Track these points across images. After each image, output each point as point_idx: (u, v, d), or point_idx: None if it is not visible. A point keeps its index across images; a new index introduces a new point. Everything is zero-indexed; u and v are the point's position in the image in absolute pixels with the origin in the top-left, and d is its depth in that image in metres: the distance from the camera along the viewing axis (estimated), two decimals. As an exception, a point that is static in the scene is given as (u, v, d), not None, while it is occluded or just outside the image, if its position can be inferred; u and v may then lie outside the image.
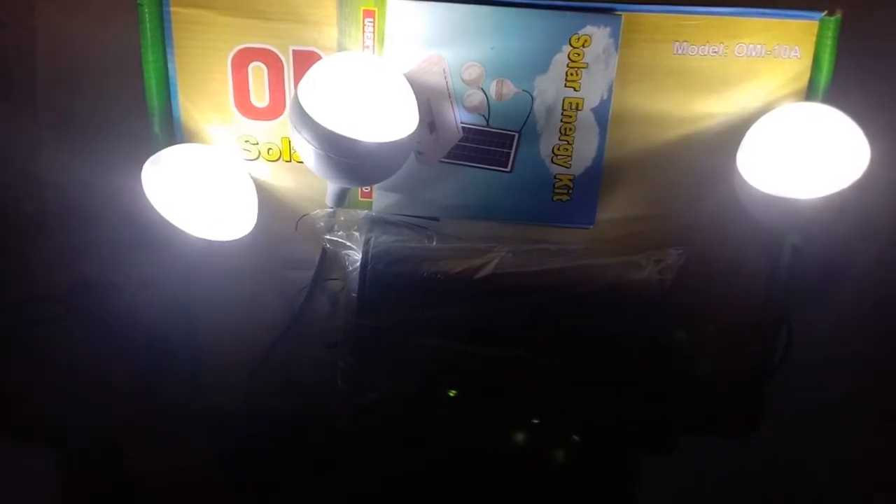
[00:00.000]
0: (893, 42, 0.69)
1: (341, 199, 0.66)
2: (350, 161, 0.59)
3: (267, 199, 0.69)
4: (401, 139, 0.60)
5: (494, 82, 0.66)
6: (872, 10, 0.67)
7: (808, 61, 0.64)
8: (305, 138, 0.59)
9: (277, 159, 0.68)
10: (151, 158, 0.63)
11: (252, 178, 0.68)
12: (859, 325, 0.80)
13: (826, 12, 0.63)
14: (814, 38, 0.64)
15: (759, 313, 0.72)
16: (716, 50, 0.64)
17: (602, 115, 0.66)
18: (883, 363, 0.84)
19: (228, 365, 0.75)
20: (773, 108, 0.63)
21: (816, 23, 0.64)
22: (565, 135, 0.67)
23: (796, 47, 0.64)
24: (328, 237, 0.69)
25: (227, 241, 0.66)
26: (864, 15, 0.66)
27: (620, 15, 0.63)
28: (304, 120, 0.58)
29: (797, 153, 0.60)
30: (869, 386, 0.86)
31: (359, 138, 0.58)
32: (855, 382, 0.86)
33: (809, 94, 0.65)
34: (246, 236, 0.68)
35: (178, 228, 0.64)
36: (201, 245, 0.66)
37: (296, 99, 0.59)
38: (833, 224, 0.61)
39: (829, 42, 0.64)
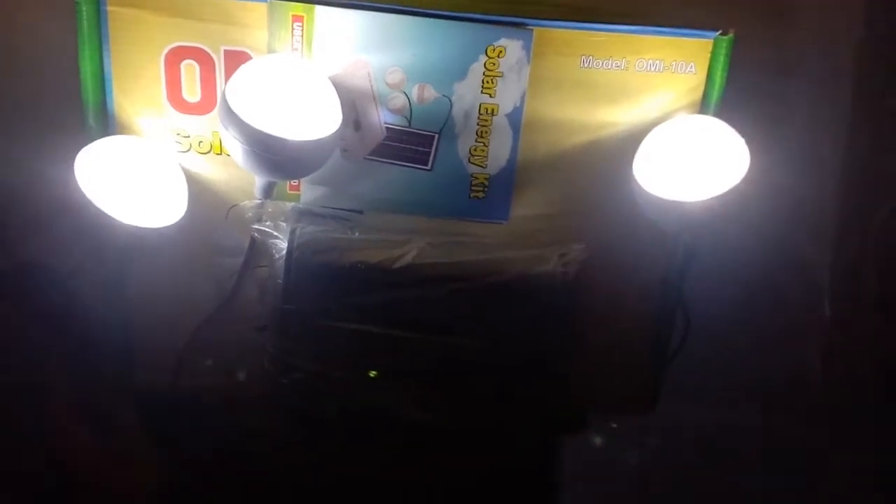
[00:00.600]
0: (781, 61, 0.76)
1: (269, 191, 0.70)
2: (275, 157, 0.63)
3: (198, 189, 0.73)
4: (324, 138, 0.64)
5: (416, 87, 0.70)
6: (763, 31, 0.74)
7: (702, 77, 0.70)
8: (233, 136, 0.63)
9: (208, 152, 0.72)
10: (84, 149, 0.66)
11: (184, 169, 0.72)
12: (747, 315, 0.88)
13: (720, 32, 0.69)
14: (708, 56, 0.70)
15: (656, 303, 0.79)
16: (618, 64, 0.70)
17: (515, 120, 0.72)
18: (766, 346, 0.92)
19: (161, 347, 0.79)
20: (669, 119, 0.70)
21: (711, 41, 0.69)
22: (481, 137, 0.72)
23: (692, 63, 0.70)
24: (256, 227, 0.72)
25: (157, 228, 0.69)
26: (755, 35, 0.73)
27: (532, 29, 0.68)
28: (232, 118, 0.62)
29: (685, 160, 0.66)
30: (762, 372, 0.94)
31: (283, 136, 0.62)
32: (750, 369, 0.94)
33: (703, 107, 0.71)
34: (178, 224, 0.71)
35: (109, 216, 0.67)
36: (133, 232, 0.69)
37: (223, 98, 0.63)
38: (719, 223, 0.67)
39: (721, 59, 0.70)
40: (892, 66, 0.82)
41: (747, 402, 0.96)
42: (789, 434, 0.97)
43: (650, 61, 0.70)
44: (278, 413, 0.79)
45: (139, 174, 0.67)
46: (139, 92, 0.69)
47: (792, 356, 0.95)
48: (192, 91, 0.70)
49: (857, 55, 0.80)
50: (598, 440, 0.88)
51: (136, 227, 0.69)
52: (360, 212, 0.75)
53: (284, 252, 0.71)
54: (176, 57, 0.69)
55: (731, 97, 0.71)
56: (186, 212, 0.71)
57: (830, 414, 0.97)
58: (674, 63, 0.70)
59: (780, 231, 0.85)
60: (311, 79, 0.65)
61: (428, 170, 0.73)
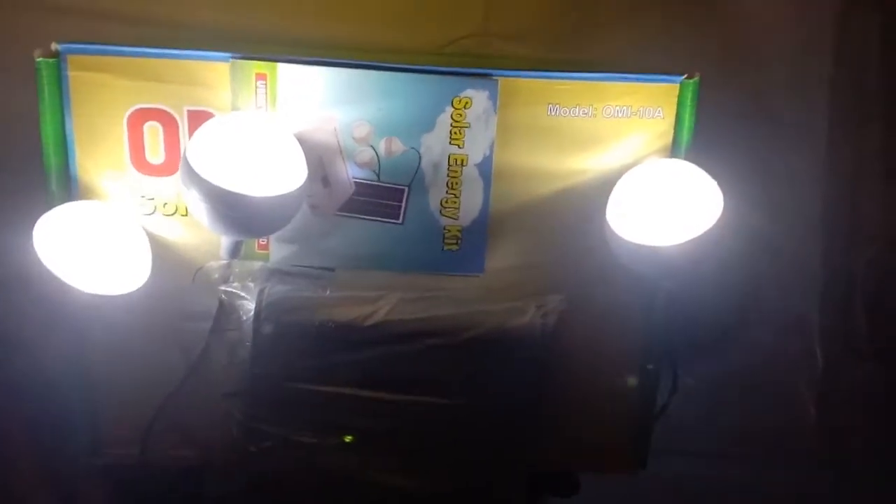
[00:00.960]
0: (752, 104, 0.76)
1: (236, 251, 0.68)
2: (239, 215, 0.62)
3: (164, 252, 0.71)
4: (287, 193, 0.63)
5: (383, 140, 0.69)
6: (731, 74, 0.74)
7: (670, 121, 0.70)
8: (195, 195, 0.61)
9: (173, 214, 0.70)
10: (43, 217, 0.64)
11: (148, 232, 0.70)
12: (736, 363, 0.85)
13: (686, 76, 0.69)
14: (675, 100, 0.70)
15: (640, 353, 0.76)
16: (586, 111, 0.69)
17: (486, 170, 0.71)
18: (767, 399, 0.89)
19: (127, 420, 0.75)
20: (640, 164, 0.69)
21: (677, 86, 0.69)
22: (452, 188, 0.71)
23: (659, 108, 0.70)
24: (224, 288, 0.70)
25: (121, 295, 0.67)
26: (724, 79, 0.73)
27: (497, 80, 0.68)
28: (193, 177, 0.61)
29: (658, 205, 0.65)
30: (755, 421, 0.91)
31: (246, 193, 0.61)
32: (742, 418, 0.90)
33: (673, 151, 0.71)
34: (143, 290, 0.69)
35: (69, 285, 0.64)
36: (95, 301, 0.66)
37: (184, 157, 0.61)
38: (697, 268, 0.66)
39: (689, 103, 0.69)
40: (865, 106, 0.82)
41: (742, 454, 0.92)
42: (787, 485, 0.93)
43: (617, 107, 0.69)
44: (249, 483, 0.75)
45: (100, 240, 0.65)
46: (102, 155, 0.68)
47: (784, 406, 0.93)
48: (155, 153, 0.69)
49: (829, 96, 0.80)
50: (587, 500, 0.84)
51: (98, 296, 0.66)
52: (332, 269, 0.73)
53: (252, 314, 0.69)
54: (139, 119, 0.68)
55: (702, 141, 0.71)
56: (151, 276, 0.69)
57: (828, 463, 0.93)
58: (641, 108, 0.70)
59: (765, 277, 0.84)
60: (274, 135, 0.64)
61: (399, 224, 0.72)
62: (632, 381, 0.77)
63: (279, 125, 0.66)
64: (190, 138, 0.67)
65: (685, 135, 0.70)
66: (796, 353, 0.91)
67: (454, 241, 0.73)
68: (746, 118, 0.76)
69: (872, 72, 0.82)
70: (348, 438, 0.72)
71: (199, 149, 0.61)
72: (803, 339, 0.90)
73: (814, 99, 0.81)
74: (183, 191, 0.63)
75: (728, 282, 0.79)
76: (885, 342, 0.91)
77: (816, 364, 0.91)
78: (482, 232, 0.72)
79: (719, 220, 0.64)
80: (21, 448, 0.77)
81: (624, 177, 0.67)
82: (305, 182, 0.65)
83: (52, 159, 0.67)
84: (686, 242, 0.63)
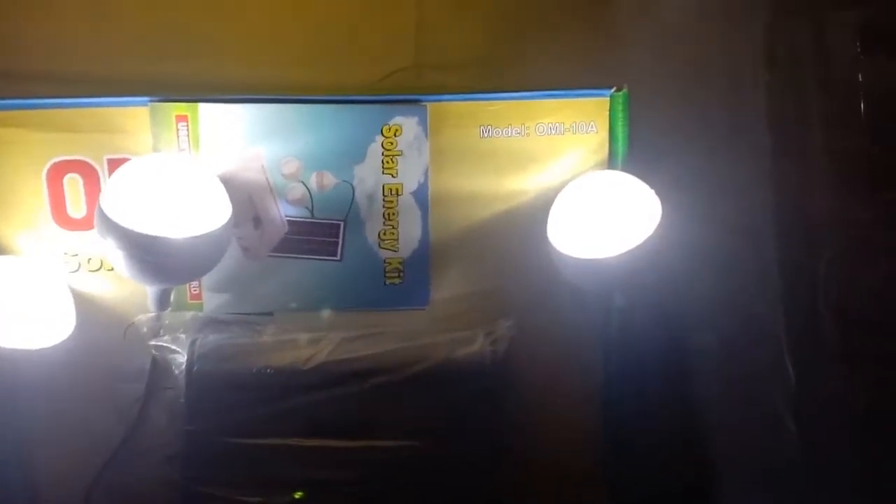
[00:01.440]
0: (682, 113, 0.75)
1: (165, 302, 0.65)
2: (157, 259, 0.59)
3: (92, 310, 0.67)
4: (208, 233, 0.60)
5: (314, 175, 0.67)
6: (661, 85, 0.74)
7: (604, 135, 0.69)
8: (113, 243, 0.58)
9: (98, 269, 0.67)
10: None
11: (75, 290, 0.67)
12: (706, 379, 0.83)
13: (615, 88, 0.69)
14: (607, 113, 0.69)
15: (598, 374, 0.73)
16: (519, 131, 0.68)
17: (422, 197, 0.69)
18: (740, 416, 0.86)
19: (66, 488, 0.70)
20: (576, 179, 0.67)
21: (607, 99, 0.69)
22: (389, 219, 0.69)
23: (592, 122, 0.69)
24: (155, 343, 0.67)
25: (45, 349, 0.63)
26: (653, 90, 0.73)
27: (426, 105, 0.67)
28: (108, 225, 0.58)
29: (597, 217, 0.63)
30: (732, 437, 0.88)
31: (162, 235, 0.58)
32: (714, 438, 0.87)
33: (610, 164, 0.69)
34: (73, 348, 0.65)
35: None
36: (19, 356, 0.62)
37: (99, 205, 0.59)
38: (638, 279, 0.64)
39: (621, 115, 0.69)
40: (803, 109, 0.82)
41: (722, 474, 0.89)
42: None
43: (550, 125, 0.68)
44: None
45: (17, 294, 0.62)
46: (22, 212, 0.66)
47: (762, 424, 0.90)
48: (76, 206, 0.66)
49: (766, 101, 0.80)
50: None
51: (22, 351, 0.62)
52: (270, 314, 0.70)
53: (184, 367, 0.65)
54: (58, 172, 0.65)
55: (638, 154, 0.70)
56: (81, 335, 0.66)
57: (810, 473, 0.90)
58: (574, 124, 0.69)
59: (722, 291, 0.82)
60: (193, 174, 0.62)
61: (338, 260, 0.69)
62: (592, 404, 0.74)
63: (198, 165, 0.64)
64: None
65: (620, 147, 0.69)
66: (766, 368, 0.88)
67: (396, 275, 0.70)
68: (682, 128, 0.75)
69: (807, 74, 0.82)
70: (298, 495, 0.67)
71: (115, 194, 0.59)
72: (772, 353, 0.88)
73: (750, 105, 0.81)
74: (101, 241, 0.60)
75: (684, 298, 0.77)
76: (856, 345, 0.89)
77: (789, 376, 0.89)
78: (424, 262, 0.70)
79: (659, 228, 0.62)
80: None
81: (562, 191, 0.66)
82: (229, 220, 0.62)
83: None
84: (626, 252, 0.62)
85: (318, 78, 0.70)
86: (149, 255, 0.59)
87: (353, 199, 0.68)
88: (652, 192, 0.63)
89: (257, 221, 0.68)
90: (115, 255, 0.59)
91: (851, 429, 0.90)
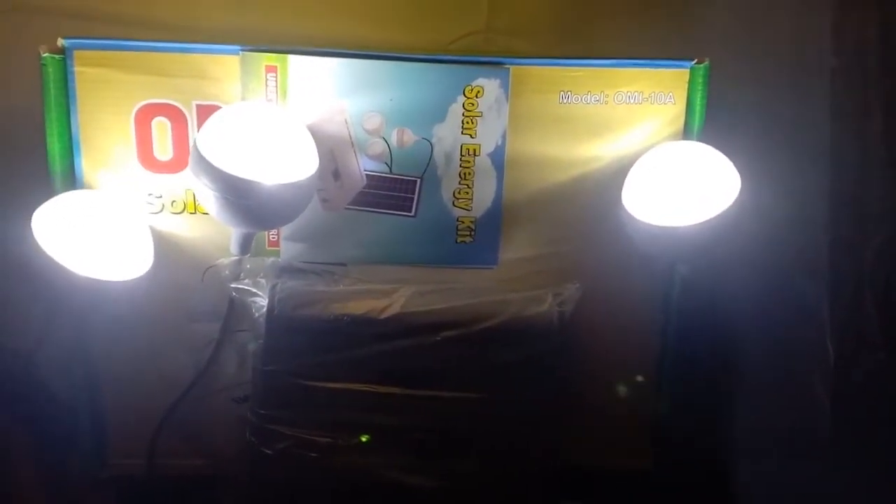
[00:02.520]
0: (760, 90, 0.76)
1: (246, 246, 0.67)
2: (249, 203, 0.60)
3: (172, 251, 0.69)
4: (298, 181, 0.62)
5: (395, 131, 0.69)
6: (738, 57, 0.74)
7: (681, 106, 0.70)
8: (205, 183, 0.60)
9: (182, 212, 0.69)
10: (42, 205, 0.62)
11: (156, 231, 0.68)
12: (750, 354, 0.84)
13: (696, 60, 0.70)
14: (686, 85, 0.70)
15: (657, 342, 0.75)
16: (597, 98, 0.69)
17: (498, 159, 0.70)
18: (780, 394, 0.88)
19: (133, 426, 0.73)
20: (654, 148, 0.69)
21: (687, 70, 0.70)
22: (465, 179, 0.70)
23: (671, 93, 0.70)
24: (235, 286, 0.69)
25: (124, 282, 0.65)
26: (731, 62, 0.73)
27: (508, 68, 0.68)
28: (203, 165, 0.60)
29: (675, 186, 0.65)
30: (769, 418, 0.90)
31: (256, 180, 0.60)
32: (755, 414, 0.89)
33: (685, 136, 0.70)
34: (151, 289, 0.67)
35: (70, 271, 0.62)
36: (97, 286, 0.64)
37: (195, 146, 0.60)
38: (712, 251, 0.65)
39: (700, 88, 0.70)
40: (865, 95, 0.83)
41: (757, 450, 0.91)
42: (804, 482, 0.92)
43: (629, 93, 0.69)
44: (263, 489, 0.72)
45: (99, 226, 0.63)
46: (109, 153, 0.67)
47: (799, 400, 0.91)
48: (163, 149, 0.67)
49: (830, 86, 0.81)
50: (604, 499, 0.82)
51: (100, 281, 0.63)
52: (344, 264, 0.71)
53: (265, 310, 0.67)
54: (146, 115, 0.67)
55: (712, 123, 0.71)
56: (159, 275, 0.67)
57: (845, 457, 0.92)
58: (652, 94, 0.70)
59: (776, 262, 0.83)
60: (285, 124, 0.63)
61: (412, 216, 0.71)
62: (647, 373, 0.76)
63: (290, 115, 0.65)
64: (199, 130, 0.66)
65: (697, 119, 0.70)
66: (807, 347, 0.90)
67: (467, 233, 0.72)
68: (753, 107, 0.76)
69: (872, 61, 0.83)
70: (365, 438, 0.70)
71: (210, 137, 0.61)
72: (813, 332, 0.89)
73: (815, 89, 0.82)
74: (192, 180, 0.61)
75: (743, 271, 0.78)
76: (896, 331, 0.90)
77: (828, 358, 0.90)
78: (496, 223, 0.72)
79: (737, 200, 0.63)
80: (22, 454, 0.74)
81: (641, 158, 0.67)
82: (317, 171, 0.64)
83: (56, 158, 0.66)
84: (704, 222, 0.63)
85: (388, 38, 0.71)
86: (240, 198, 0.60)
87: (430, 156, 0.69)
88: (730, 163, 0.64)
89: (337, 174, 0.69)
90: (206, 195, 0.61)
91: (886, 413, 0.92)
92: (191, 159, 0.62)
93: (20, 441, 0.73)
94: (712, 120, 0.70)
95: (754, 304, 0.86)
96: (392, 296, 0.68)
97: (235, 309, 0.70)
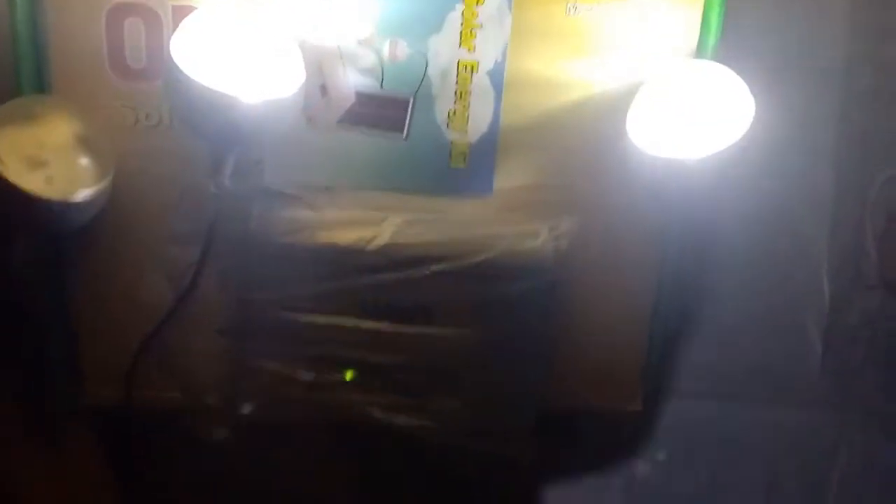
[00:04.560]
0: (769, 7, 0.71)
1: (225, 165, 0.62)
2: (227, 120, 0.56)
3: (147, 168, 0.65)
4: (282, 97, 0.57)
5: (388, 42, 0.64)
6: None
7: (697, 20, 0.65)
8: (180, 97, 0.56)
9: (157, 124, 0.64)
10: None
11: (129, 146, 0.64)
12: (750, 295, 0.82)
13: (714, -31, 0.65)
14: (701, -1, 0.65)
15: (653, 282, 0.72)
16: (607, 11, 0.64)
17: (497, 78, 0.65)
18: (772, 333, 0.86)
19: (110, 356, 0.70)
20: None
21: (704, -19, 0.65)
22: (461, 99, 0.66)
23: (685, 6, 0.64)
24: (212, 208, 0.65)
25: (89, 210, 0.61)
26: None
27: (513, -28, 0.63)
28: (177, 76, 0.55)
29: (681, 112, 0.60)
30: (760, 357, 0.89)
31: (236, 94, 0.55)
32: (746, 354, 0.88)
33: (699, 52, 0.66)
34: (126, 208, 0.63)
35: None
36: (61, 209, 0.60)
37: (168, 54, 0.55)
38: (719, 185, 0.62)
39: (716, 2, 0.65)
40: (886, 17, 0.78)
41: (748, 390, 0.90)
42: (794, 426, 0.92)
43: (640, 6, 0.64)
44: (241, 424, 0.70)
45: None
46: (79, 57, 0.62)
47: (790, 342, 0.90)
48: (136, 56, 0.62)
49: (851, 5, 0.76)
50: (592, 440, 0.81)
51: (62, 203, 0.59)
52: (330, 188, 0.67)
53: (244, 236, 0.63)
54: (118, 15, 0.61)
55: (727, 43, 0.66)
56: (134, 194, 0.64)
57: (834, 402, 0.92)
58: (665, 6, 0.64)
59: (778, 193, 0.80)
60: (270, 30, 0.58)
61: (403, 138, 0.66)
62: (642, 312, 0.74)
63: (276, 21, 0.60)
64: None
65: (712, 36, 0.65)
66: (801, 285, 0.88)
67: (461, 158, 0.68)
68: (770, 23, 0.72)
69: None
70: (349, 375, 0.68)
71: (184, 44, 0.55)
72: (810, 269, 0.88)
73: (834, 11, 0.77)
74: (167, 92, 0.57)
75: (744, 203, 0.75)
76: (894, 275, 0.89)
77: (823, 297, 0.89)
78: (491, 148, 0.67)
79: (749, 130, 0.60)
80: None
81: (647, 81, 0.63)
82: (303, 86, 0.60)
83: (24, 57, 0.61)
84: (713, 154, 0.59)
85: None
86: (218, 114, 0.56)
87: (425, 73, 0.65)
88: (745, 87, 0.60)
89: (324, 90, 0.65)
90: (182, 110, 0.57)
91: (878, 358, 0.91)
92: (165, 69, 0.57)
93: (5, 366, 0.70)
94: (727, 38, 0.66)
95: (751, 238, 0.83)
96: (380, 225, 0.65)
97: (214, 233, 0.66)
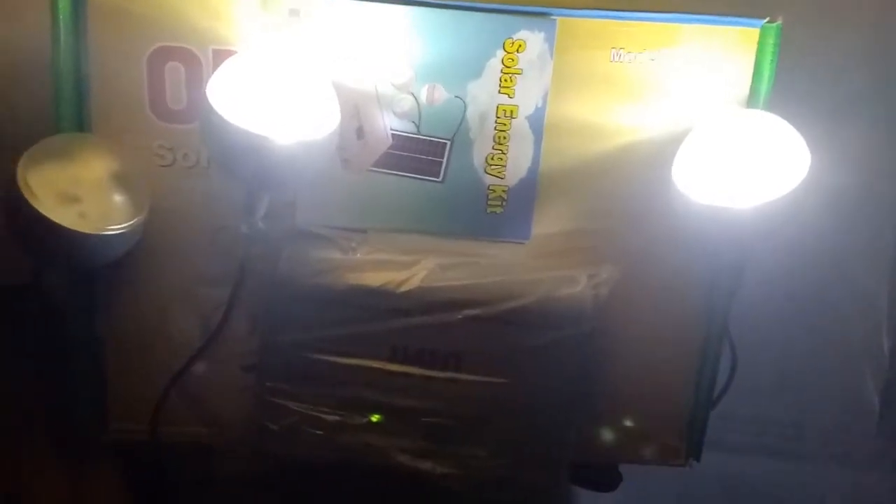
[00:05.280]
0: (833, 53, 0.68)
1: (259, 207, 0.61)
2: (261, 161, 0.55)
3: (181, 208, 0.64)
4: (316, 139, 0.57)
5: (425, 87, 0.62)
6: (813, 20, 0.67)
7: (749, 69, 0.62)
8: (215, 138, 0.55)
9: (194, 166, 0.64)
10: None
11: (166, 186, 0.64)
12: (805, 349, 0.78)
13: (767, 19, 0.62)
14: (755, 46, 0.62)
15: (701, 331, 0.69)
16: (654, 57, 0.62)
17: (537, 123, 0.64)
18: (827, 388, 0.82)
19: (137, 391, 0.69)
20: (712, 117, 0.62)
21: (757, 30, 0.62)
22: (499, 143, 0.64)
23: (738, 55, 0.62)
24: (244, 249, 0.64)
25: (120, 245, 0.61)
26: (804, 25, 0.66)
27: (555, 20, 0.61)
28: (213, 117, 0.54)
29: (733, 161, 0.58)
30: (813, 414, 0.84)
31: (270, 136, 0.55)
32: (799, 410, 0.83)
33: (751, 102, 0.63)
34: (159, 247, 0.63)
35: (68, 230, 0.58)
36: (99, 248, 0.60)
37: (204, 95, 0.55)
38: (771, 236, 0.59)
39: (770, 50, 0.62)
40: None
41: (800, 447, 0.85)
42: (846, 486, 0.86)
43: (689, 53, 0.62)
44: (266, 464, 0.69)
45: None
46: (119, 97, 0.62)
47: (849, 393, 0.85)
48: (177, 97, 0.62)
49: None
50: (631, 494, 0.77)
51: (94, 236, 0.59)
52: (364, 230, 0.66)
53: (274, 276, 0.62)
54: (160, 58, 0.62)
55: (780, 91, 0.63)
56: (168, 234, 0.63)
57: (891, 461, 0.86)
58: (716, 55, 0.62)
59: (837, 247, 0.76)
60: (306, 74, 0.58)
61: (439, 182, 0.65)
62: (687, 368, 0.70)
63: (312, 64, 0.60)
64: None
65: (765, 85, 0.62)
66: (860, 341, 0.83)
67: (499, 203, 0.66)
68: (826, 74, 0.69)
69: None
70: (375, 418, 0.66)
71: (222, 86, 0.55)
72: (869, 325, 0.83)
73: (892, 59, 0.73)
74: (201, 133, 0.57)
75: (803, 256, 0.71)
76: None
77: (882, 354, 0.84)
78: (530, 193, 0.65)
79: (805, 181, 0.56)
80: (23, 422, 0.71)
81: (695, 128, 0.60)
82: (338, 128, 0.59)
83: (65, 97, 0.61)
84: (765, 204, 0.56)
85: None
86: (252, 154, 0.55)
87: (463, 117, 0.63)
88: (800, 137, 0.57)
89: (360, 132, 0.64)
90: (216, 151, 0.56)
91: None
92: (201, 110, 0.56)
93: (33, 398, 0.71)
94: (781, 88, 0.63)
95: (807, 289, 0.79)
96: (413, 268, 0.63)
97: (245, 273, 0.65)
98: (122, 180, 0.61)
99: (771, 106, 0.62)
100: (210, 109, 0.55)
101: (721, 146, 0.58)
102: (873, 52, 0.70)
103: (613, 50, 0.62)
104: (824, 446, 0.86)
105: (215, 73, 0.57)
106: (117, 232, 0.59)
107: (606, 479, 0.76)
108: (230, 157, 0.56)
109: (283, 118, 0.56)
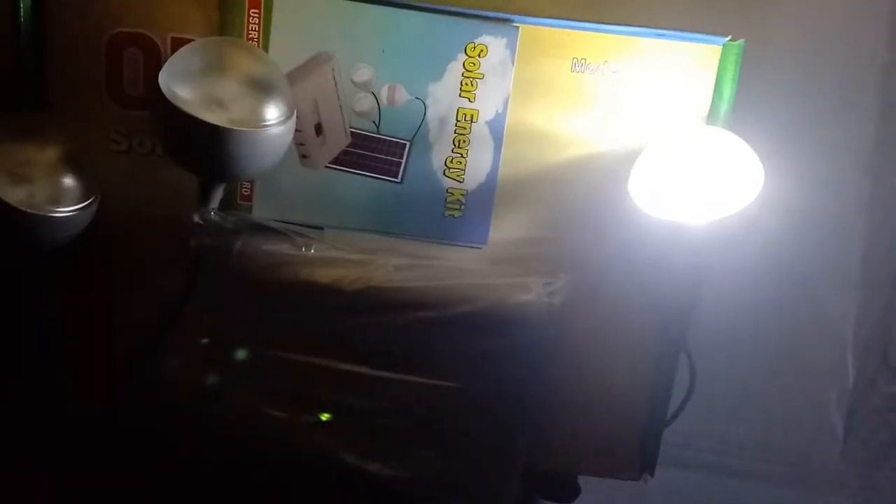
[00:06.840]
0: (798, 75, 0.68)
1: (213, 196, 0.61)
2: (214, 149, 0.55)
3: (138, 196, 0.64)
4: (269, 128, 0.56)
5: (386, 87, 0.62)
6: (777, 40, 0.67)
7: (709, 86, 0.62)
8: (167, 125, 0.55)
9: (150, 153, 0.64)
10: None
11: (122, 172, 0.63)
12: (758, 366, 0.78)
13: (730, 37, 0.62)
14: (716, 63, 0.62)
15: (655, 347, 0.69)
16: (615, 69, 0.62)
17: (497, 128, 0.63)
18: (784, 406, 0.81)
19: (91, 376, 0.68)
20: (671, 132, 0.61)
21: (719, 48, 0.62)
22: (459, 147, 0.64)
23: (698, 71, 0.62)
24: (199, 240, 0.63)
25: (68, 228, 0.60)
26: (768, 44, 0.66)
27: (518, 27, 0.61)
28: (164, 105, 0.54)
29: (689, 177, 0.58)
30: (777, 434, 0.83)
31: (221, 124, 0.54)
32: (763, 429, 0.83)
33: (710, 119, 0.63)
34: (113, 233, 0.63)
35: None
36: (47, 229, 0.59)
37: (156, 82, 0.55)
38: (727, 252, 0.58)
39: (731, 68, 0.62)
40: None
41: (757, 467, 0.85)
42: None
43: (651, 67, 0.62)
44: (213, 458, 0.68)
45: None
46: (77, 81, 0.62)
47: (811, 416, 0.85)
48: (134, 83, 0.62)
49: (883, 77, 0.72)
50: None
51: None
52: (320, 228, 0.66)
53: (225, 268, 0.62)
54: (119, 44, 0.61)
55: (740, 115, 0.63)
56: (123, 220, 0.63)
57: (854, 485, 0.86)
58: (678, 70, 0.62)
59: (799, 268, 0.76)
60: (261, 64, 0.58)
61: (398, 182, 0.65)
62: (645, 377, 0.70)
63: (268, 56, 0.59)
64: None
65: (724, 103, 0.62)
66: (824, 363, 0.83)
67: (457, 207, 0.65)
68: (788, 93, 0.68)
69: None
70: (325, 417, 0.65)
71: (175, 73, 0.55)
72: (833, 347, 0.82)
73: (862, 82, 0.73)
74: (154, 119, 0.56)
75: (760, 269, 0.71)
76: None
77: (847, 377, 0.83)
78: (488, 198, 0.65)
79: (759, 197, 0.56)
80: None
81: (652, 144, 0.60)
82: (292, 120, 0.58)
83: (23, 77, 0.61)
84: (719, 221, 0.56)
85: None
86: (203, 141, 0.55)
87: (423, 119, 0.63)
88: (755, 156, 0.57)
89: (319, 129, 0.63)
90: (168, 138, 0.56)
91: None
92: (153, 97, 0.56)
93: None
94: (741, 106, 0.62)
95: (766, 307, 0.79)
96: (366, 267, 0.63)
97: (199, 265, 0.65)
98: (75, 163, 0.60)
99: (731, 123, 0.62)
100: (162, 97, 0.54)
101: (677, 162, 0.58)
102: (834, 73, 0.70)
103: (575, 60, 0.62)
104: (785, 468, 0.85)
105: (170, 58, 0.56)
106: (65, 215, 0.59)
107: (564, 490, 0.76)
108: (182, 145, 0.56)
109: (240, 106, 0.55)
